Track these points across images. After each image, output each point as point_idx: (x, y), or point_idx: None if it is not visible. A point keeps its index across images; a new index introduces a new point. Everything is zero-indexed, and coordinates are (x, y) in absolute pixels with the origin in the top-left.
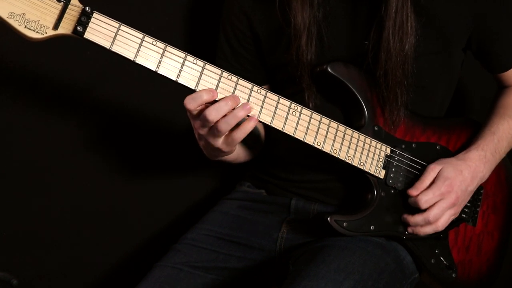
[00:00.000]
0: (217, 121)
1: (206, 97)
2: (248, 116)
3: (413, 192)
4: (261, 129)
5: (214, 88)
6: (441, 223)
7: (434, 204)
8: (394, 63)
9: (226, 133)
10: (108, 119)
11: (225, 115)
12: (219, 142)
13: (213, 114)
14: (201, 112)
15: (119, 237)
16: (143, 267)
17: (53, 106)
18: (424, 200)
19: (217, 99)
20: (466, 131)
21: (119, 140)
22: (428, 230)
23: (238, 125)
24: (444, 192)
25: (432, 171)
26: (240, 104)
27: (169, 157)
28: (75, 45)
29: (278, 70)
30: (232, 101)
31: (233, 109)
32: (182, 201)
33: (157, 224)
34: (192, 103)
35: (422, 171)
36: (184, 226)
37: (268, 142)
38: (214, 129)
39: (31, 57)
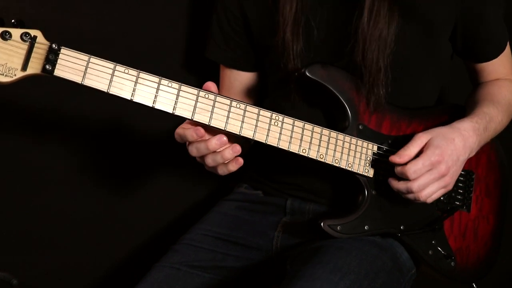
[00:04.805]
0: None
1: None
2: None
3: (396, 158)
4: None
5: (192, 108)
6: (425, 194)
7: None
8: (371, 51)
9: None
10: (109, 118)
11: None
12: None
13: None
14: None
15: (118, 237)
16: (142, 267)
17: (53, 105)
18: (413, 170)
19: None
20: (455, 117)
21: (119, 140)
22: (409, 197)
23: None
24: (434, 162)
25: (419, 139)
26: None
27: (168, 158)
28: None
29: (266, 53)
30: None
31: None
32: (182, 202)
33: (157, 225)
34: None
35: None
36: (184, 227)
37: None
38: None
39: None
